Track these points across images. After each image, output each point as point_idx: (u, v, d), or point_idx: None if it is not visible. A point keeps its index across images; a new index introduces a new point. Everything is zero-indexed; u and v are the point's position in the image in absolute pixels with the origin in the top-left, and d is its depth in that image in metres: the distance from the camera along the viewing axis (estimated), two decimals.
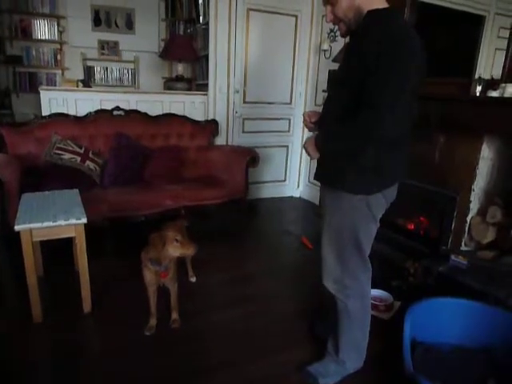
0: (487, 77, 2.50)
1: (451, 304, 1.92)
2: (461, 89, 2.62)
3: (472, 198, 2.56)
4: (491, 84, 2.39)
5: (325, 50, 4.14)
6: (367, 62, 1.31)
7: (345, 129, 1.41)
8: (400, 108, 1.32)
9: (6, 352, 1.86)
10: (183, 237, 1.81)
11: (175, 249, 1.79)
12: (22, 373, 1.74)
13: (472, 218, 2.59)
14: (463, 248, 2.63)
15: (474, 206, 2.59)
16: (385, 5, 1.42)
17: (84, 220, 2.04)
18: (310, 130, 1.74)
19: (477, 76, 2.54)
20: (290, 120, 4.55)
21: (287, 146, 4.63)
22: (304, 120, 1.72)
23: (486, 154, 2.50)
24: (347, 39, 1.60)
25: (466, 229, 2.61)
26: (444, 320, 1.88)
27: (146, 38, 5.53)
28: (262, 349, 1.96)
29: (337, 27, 1.56)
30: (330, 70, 4.08)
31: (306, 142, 1.56)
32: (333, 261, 1.63)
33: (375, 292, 2.40)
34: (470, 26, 2.75)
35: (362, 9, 1.41)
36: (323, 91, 4.19)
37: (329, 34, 4.10)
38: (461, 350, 1.84)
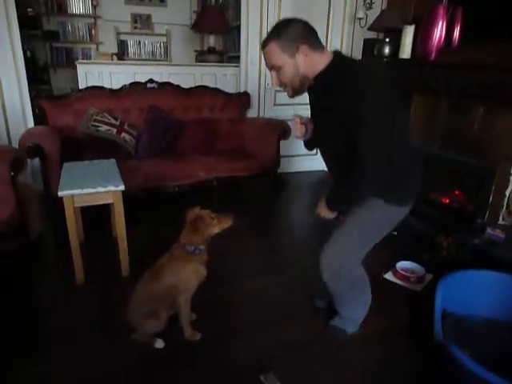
0: None
1: (484, 276, 1.89)
2: (503, 56, 2.48)
3: None
4: None
5: (360, 18, 4.00)
6: (339, 121, 1.38)
7: (348, 192, 1.52)
8: (390, 145, 1.35)
9: (53, 313, 2.00)
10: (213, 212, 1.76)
11: (214, 227, 1.75)
12: (69, 328, 1.87)
13: (511, 191, 2.51)
14: (500, 222, 2.56)
15: None
16: (327, 59, 1.41)
17: (122, 187, 2.11)
18: (300, 137, 1.68)
19: None
20: None
21: None
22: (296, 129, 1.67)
23: None
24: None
25: (505, 203, 2.53)
26: (476, 292, 1.86)
27: (177, 10, 5.54)
28: (289, 315, 2.01)
29: None
30: (364, 39, 3.95)
31: (318, 213, 1.66)
32: (339, 249, 1.66)
33: (406, 264, 2.39)
34: None
35: (307, 76, 1.43)
36: None
37: (364, 1, 3.95)
38: (492, 322, 1.82)
